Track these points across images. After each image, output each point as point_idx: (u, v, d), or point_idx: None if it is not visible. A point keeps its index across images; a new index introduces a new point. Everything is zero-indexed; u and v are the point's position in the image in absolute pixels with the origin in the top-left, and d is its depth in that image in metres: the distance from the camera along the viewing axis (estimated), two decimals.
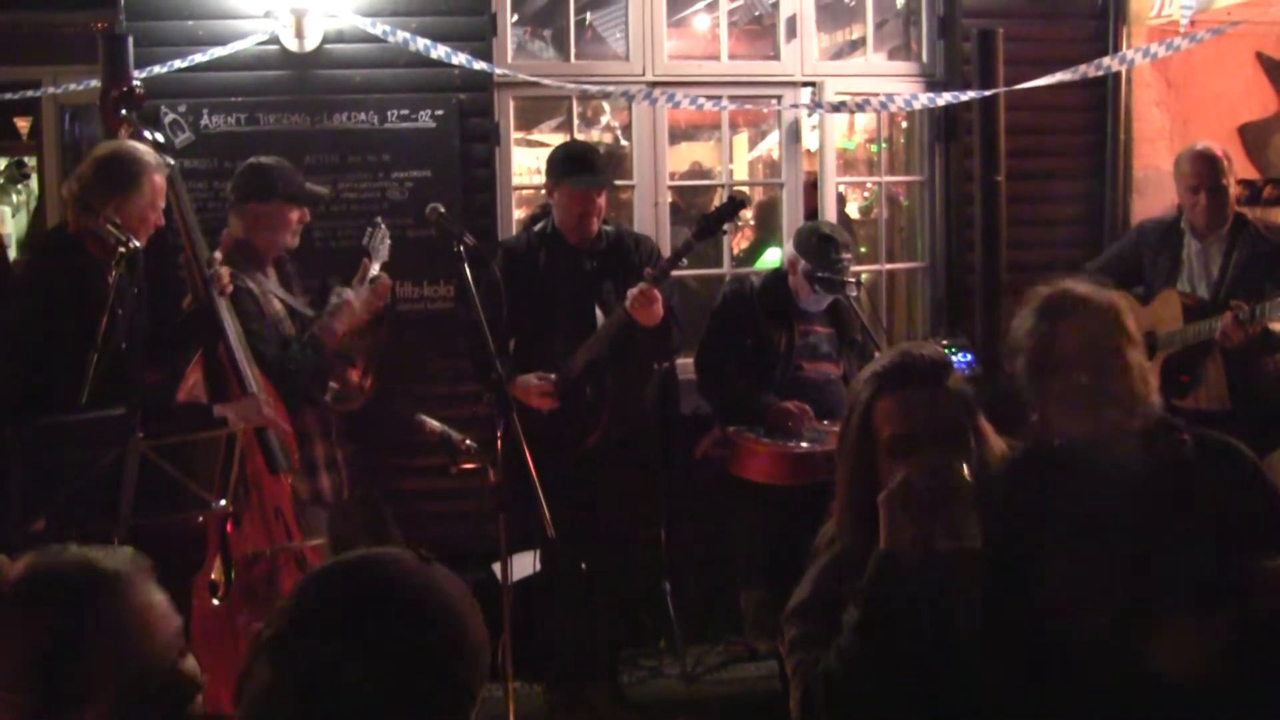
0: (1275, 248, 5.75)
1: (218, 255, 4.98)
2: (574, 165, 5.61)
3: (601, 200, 5.67)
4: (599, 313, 5.61)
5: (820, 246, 5.64)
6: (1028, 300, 2.94)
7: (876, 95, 6.69)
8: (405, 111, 6.48)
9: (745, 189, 9.84)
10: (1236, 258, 5.76)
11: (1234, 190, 5.90)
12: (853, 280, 5.69)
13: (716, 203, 8.22)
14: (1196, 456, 2.75)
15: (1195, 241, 5.92)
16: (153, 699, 2.05)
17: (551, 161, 5.77)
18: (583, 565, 5.78)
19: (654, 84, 6.72)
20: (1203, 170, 5.82)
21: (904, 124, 7.75)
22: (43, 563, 2.12)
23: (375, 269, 5.51)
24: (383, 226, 5.65)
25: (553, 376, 5.55)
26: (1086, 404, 2.73)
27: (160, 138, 5.13)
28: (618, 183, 7.54)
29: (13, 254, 10.18)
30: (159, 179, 4.72)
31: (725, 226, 5.58)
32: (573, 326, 5.62)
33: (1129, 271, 6.00)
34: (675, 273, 5.62)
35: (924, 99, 6.69)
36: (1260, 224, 5.95)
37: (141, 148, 4.77)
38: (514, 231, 6.49)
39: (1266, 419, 5.45)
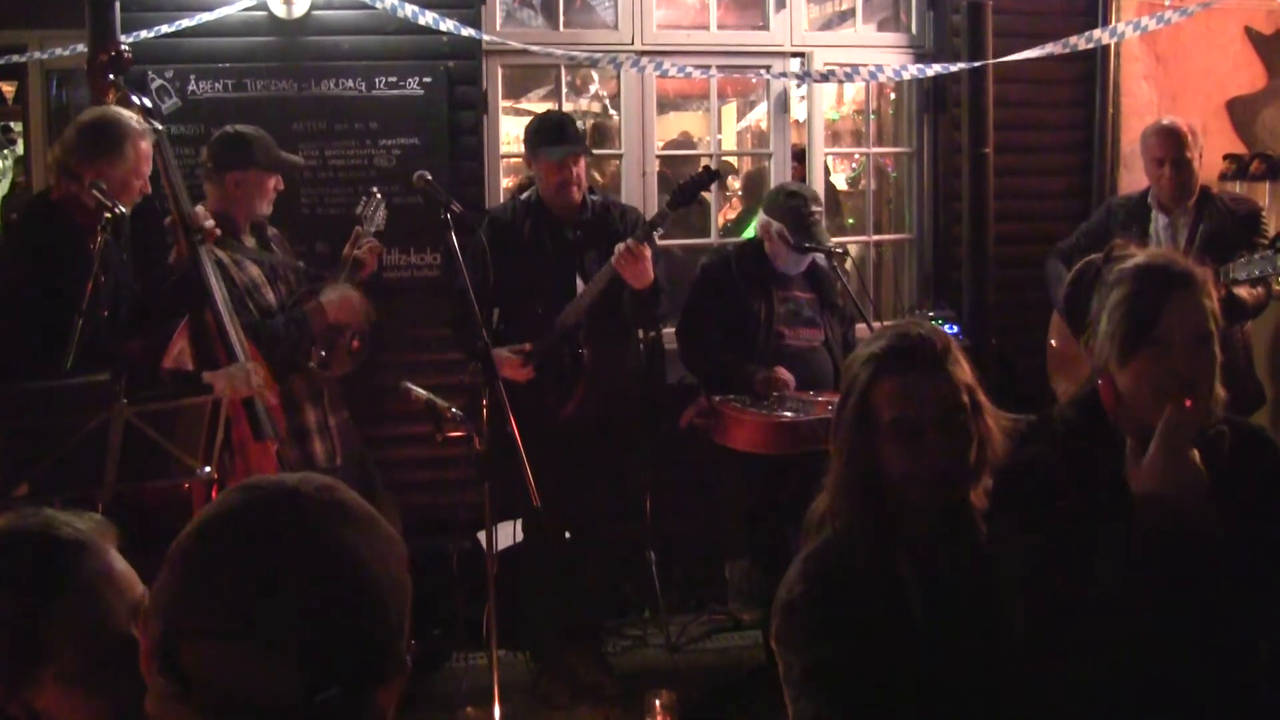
0: (1240, 219, 5.82)
1: (200, 209, 4.96)
2: (548, 135, 5.60)
3: (579, 168, 5.63)
4: (579, 283, 5.61)
5: (790, 204, 5.66)
6: (1119, 262, 2.73)
7: (865, 65, 6.68)
8: (393, 79, 6.46)
9: (733, 159, 9.85)
10: (1203, 229, 5.81)
11: (1198, 164, 5.94)
12: (835, 249, 5.72)
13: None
14: (1234, 449, 2.64)
15: (1162, 215, 5.98)
16: (112, 664, 1.97)
17: (528, 133, 5.76)
18: (566, 535, 5.79)
19: (642, 53, 6.70)
20: (1167, 144, 5.89)
21: (892, 96, 7.74)
22: (3, 527, 2.09)
23: (366, 235, 5.51)
24: (378, 196, 5.62)
25: (526, 347, 5.54)
26: (1178, 394, 2.54)
27: (148, 103, 5.10)
28: (606, 152, 7.53)
29: None
30: (144, 145, 4.69)
31: (702, 195, 5.57)
32: (555, 296, 5.61)
33: (1099, 248, 6.03)
34: (661, 242, 5.61)
35: (913, 70, 6.67)
36: (1226, 196, 6.05)
37: (126, 114, 4.74)
38: (501, 199, 6.49)
39: (1235, 389, 5.49)
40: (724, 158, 8.70)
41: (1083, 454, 2.63)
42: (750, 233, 7.57)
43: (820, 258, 5.74)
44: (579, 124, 6.06)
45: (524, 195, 5.81)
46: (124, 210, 4.43)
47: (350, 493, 1.58)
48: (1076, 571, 2.49)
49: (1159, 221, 5.97)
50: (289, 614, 1.45)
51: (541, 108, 8.02)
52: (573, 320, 5.53)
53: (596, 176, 7.77)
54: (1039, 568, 2.53)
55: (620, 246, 5.35)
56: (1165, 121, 6.00)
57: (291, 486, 1.54)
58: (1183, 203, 5.90)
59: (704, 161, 6.57)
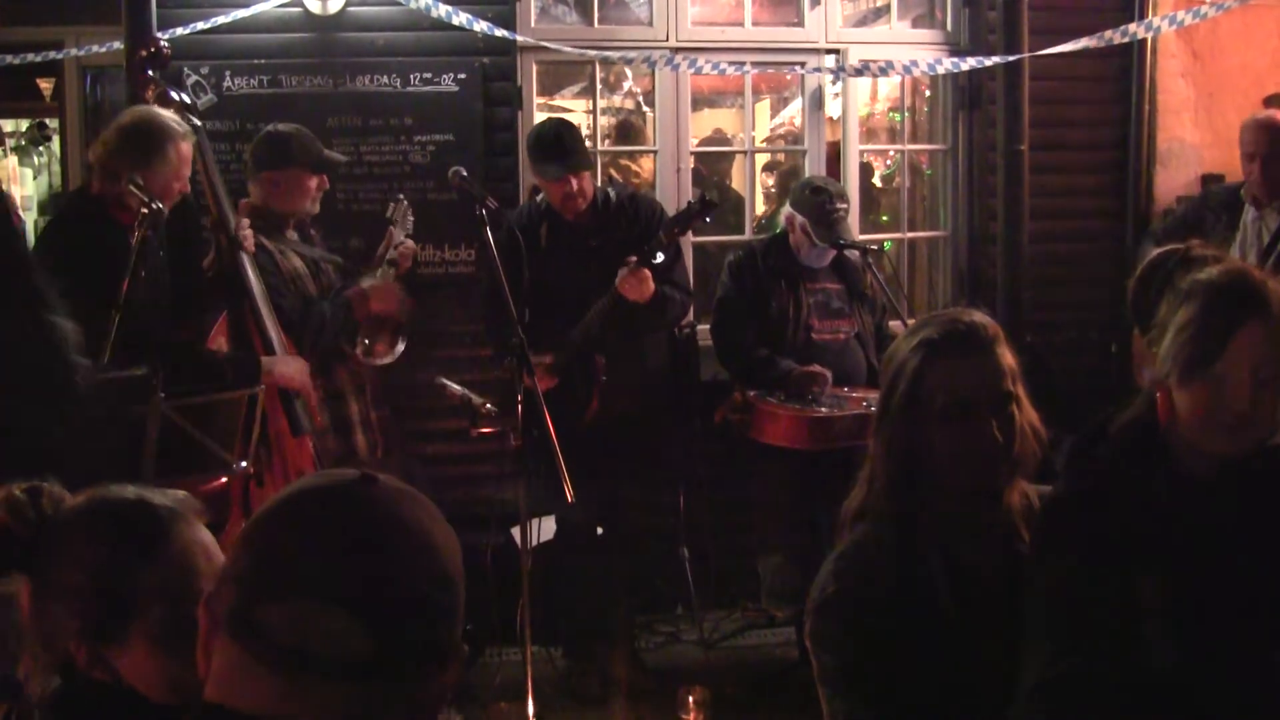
0: None
1: (245, 220, 4.99)
2: (543, 152, 5.53)
3: (582, 181, 5.57)
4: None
5: (815, 199, 5.66)
6: (1195, 268, 2.60)
7: (900, 61, 6.66)
8: (428, 75, 6.47)
9: (767, 155, 9.83)
10: None
11: None
12: (871, 245, 5.73)
13: (739, 170, 8.20)
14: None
15: (1253, 209, 5.93)
16: (195, 627, 2.08)
17: (527, 145, 5.74)
18: (599, 530, 5.79)
19: (676, 50, 6.70)
20: (1259, 139, 5.84)
21: (927, 93, 7.71)
22: (101, 494, 2.22)
23: (399, 238, 5.53)
24: (404, 201, 5.66)
25: (548, 360, 5.53)
26: (1240, 426, 2.45)
27: (186, 98, 5.13)
28: (639, 149, 7.52)
29: (33, 216, 10.23)
30: (185, 147, 4.71)
31: (735, 192, 5.56)
32: (571, 303, 5.60)
33: (1192, 233, 5.98)
34: (696, 237, 5.59)
35: (948, 64, 6.64)
36: None
37: (168, 115, 4.76)
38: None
39: None
40: (758, 153, 8.67)
41: (1133, 494, 2.57)
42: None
43: (853, 253, 5.74)
44: (581, 131, 5.89)
45: (539, 198, 5.80)
46: (161, 206, 4.45)
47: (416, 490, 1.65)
48: (1121, 621, 2.45)
49: (1249, 215, 5.93)
50: (362, 576, 1.51)
51: (576, 104, 8.03)
52: (583, 340, 5.55)
53: (613, 174, 7.73)
54: (1083, 615, 2.49)
55: (624, 271, 5.38)
56: (1261, 115, 5.97)
57: (364, 473, 1.60)
58: (1274, 199, 5.84)
59: (743, 158, 6.54)
